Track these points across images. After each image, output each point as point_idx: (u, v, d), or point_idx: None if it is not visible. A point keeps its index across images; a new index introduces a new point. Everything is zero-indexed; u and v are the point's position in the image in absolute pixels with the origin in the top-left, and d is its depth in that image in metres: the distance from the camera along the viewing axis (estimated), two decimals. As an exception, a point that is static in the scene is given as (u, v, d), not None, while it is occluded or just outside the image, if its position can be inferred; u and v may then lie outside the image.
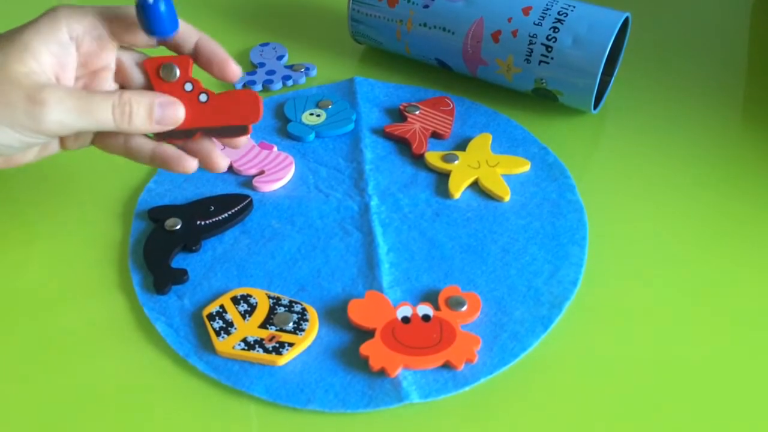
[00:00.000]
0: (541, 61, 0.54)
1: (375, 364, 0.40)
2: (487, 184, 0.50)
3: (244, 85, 0.60)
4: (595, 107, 0.56)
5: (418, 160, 0.53)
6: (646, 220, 0.49)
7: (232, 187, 0.51)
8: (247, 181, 0.52)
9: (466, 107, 0.58)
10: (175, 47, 0.43)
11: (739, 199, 0.50)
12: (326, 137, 0.55)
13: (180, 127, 0.42)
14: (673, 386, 0.40)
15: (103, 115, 0.39)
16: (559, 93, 0.55)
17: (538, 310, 0.43)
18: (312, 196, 0.51)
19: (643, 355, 0.41)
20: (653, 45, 0.65)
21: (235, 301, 0.43)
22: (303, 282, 0.45)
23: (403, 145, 0.55)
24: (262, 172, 0.52)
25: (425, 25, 0.57)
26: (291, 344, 0.41)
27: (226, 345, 0.41)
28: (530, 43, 0.54)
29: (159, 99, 0.41)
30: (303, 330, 0.42)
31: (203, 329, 0.42)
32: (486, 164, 0.52)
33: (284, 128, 0.56)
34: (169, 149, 0.42)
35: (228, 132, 0.42)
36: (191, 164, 0.43)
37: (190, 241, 0.47)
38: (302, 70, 0.61)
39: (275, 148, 0.54)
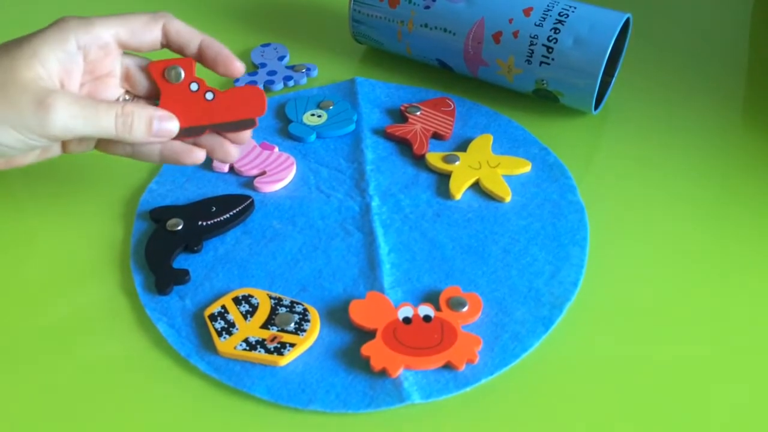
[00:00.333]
0: (542, 62, 0.54)
1: (376, 364, 0.40)
2: (488, 184, 0.50)
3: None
4: (596, 108, 0.57)
5: (419, 160, 0.53)
6: (647, 220, 0.49)
7: (233, 188, 0.51)
8: (249, 182, 0.52)
9: (467, 108, 0.58)
10: (180, 49, 0.44)
11: (739, 200, 0.50)
12: (327, 138, 0.55)
13: (190, 124, 0.43)
14: (674, 387, 0.40)
15: (106, 124, 0.41)
16: (559, 94, 0.55)
17: (539, 310, 0.43)
18: (313, 197, 0.51)
19: (643, 355, 0.41)
20: (654, 46, 0.65)
21: (237, 301, 0.43)
22: (304, 282, 0.45)
23: (404, 145, 0.55)
24: (263, 173, 0.52)
25: (426, 25, 0.58)
26: (292, 345, 0.41)
27: (228, 345, 0.41)
28: (531, 44, 0.54)
29: (158, 113, 0.42)
30: (304, 330, 0.42)
31: (205, 330, 0.42)
32: (487, 165, 0.52)
33: (285, 129, 0.56)
34: (176, 144, 0.44)
35: (235, 126, 0.44)
36: (199, 155, 0.45)
37: (192, 241, 0.47)
38: (303, 70, 0.61)
39: (276, 149, 0.54)
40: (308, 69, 0.62)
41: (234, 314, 0.43)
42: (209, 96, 0.43)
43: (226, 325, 0.42)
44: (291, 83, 0.61)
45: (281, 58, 0.63)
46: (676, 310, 0.44)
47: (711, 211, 0.50)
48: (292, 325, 0.42)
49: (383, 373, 0.40)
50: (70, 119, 0.39)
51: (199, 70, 0.44)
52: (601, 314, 0.43)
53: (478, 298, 0.43)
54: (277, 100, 0.59)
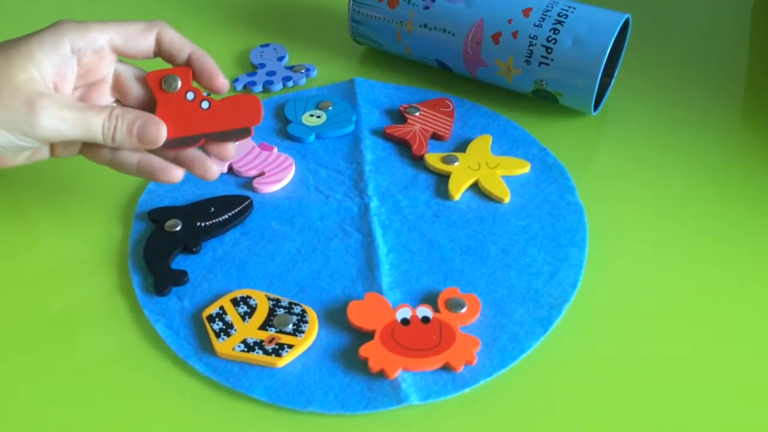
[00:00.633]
0: (541, 63, 0.54)
1: (374, 365, 0.40)
2: (487, 185, 0.50)
3: (245, 86, 0.60)
4: (595, 109, 0.56)
5: (418, 161, 0.53)
6: (646, 221, 0.49)
7: (232, 189, 0.51)
8: (247, 183, 0.52)
9: (466, 108, 0.58)
10: (170, 58, 0.44)
11: (739, 201, 0.50)
12: (326, 138, 0.55)
13: (185, 133, 0.43)
14: (673, 388, 0.40)
15: (93, 128, 0.41)
16: (559, 94, 0.55)
17: (537, 311, 0.43)
18: (312, 198, 0.51)
19: (642, 356, 0.41)
20: (653, 46, 0.65)
21: (235, 302, 0.43)
22: (303, 283, 0.45)
23: (403, 146, 0.55)
24: (262, 174, 0.52)
25: (425, 26, 0.57)
26: (290, 346, 0.41)
27: (226, 346, 0.41)
28: (530, 45, 0.54)
29: (141, 117, 0.42)
30: (302, 331, 0.42)
31: (203, 331, 0.42)
32: (486, 166, 0.52)
33: (284, 129, 0.56)
34: (154, 160, 0.44)
35: (231, 135, 0.44)
36: (177, 174, 0.44)
37: (191, 242, 0.47)
38: (302, 71, 0.61)
39: (275, 150, 0.54)
40: (307, 69, 0.62)
41: (232, 315, 0.43)
42: (205, 105, 0.43)
43: (224, 326, 0.42)
44: (290, 84, 0.61)
45: (280, 59, 0.63)
46: (675, 311, 0.44)
47: (710, 211, 0.50)
48: (291, 326, 0.42)
49: (381, 375, 0.40)
50: (59, 122, 0.40)
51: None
52: (600, 315, 0.43)
53: (477, 300, 0.43)
54: (276, 101, 0.59)
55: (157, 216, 0.48)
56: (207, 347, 0.42)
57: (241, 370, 0.41)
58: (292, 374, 0.40)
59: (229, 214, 0.48)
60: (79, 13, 0.70)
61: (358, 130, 0.56)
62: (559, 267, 0.46)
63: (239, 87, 0.60)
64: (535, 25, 0.54)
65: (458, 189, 0.50)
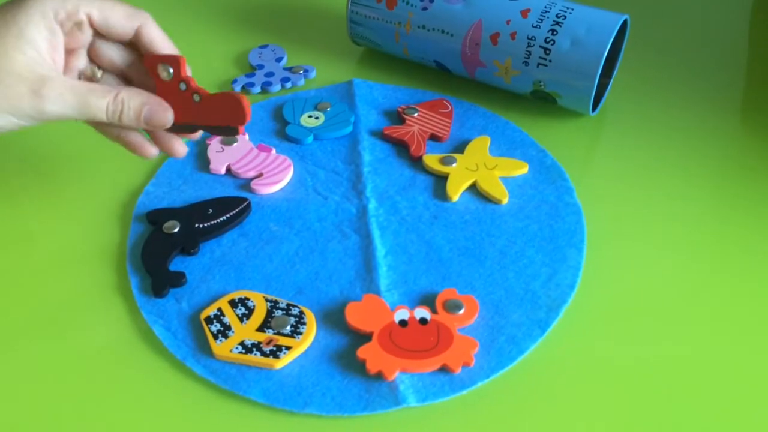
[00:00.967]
0: (539, 64, 0.54)
1: (372, 367, 0.40)
2: (485, 186, 0.50)
3: (243, 88, 0.60)
4: (594, 110, 0.56)
5: (417, 162, 0.53)
6: (645, 222, 0.49)
7: (230, 190, 0.51)
8: (246, 184, 0.52)
9: (465, 109, 0.58)
10: (146, 52, 0.44)
11: (738, 202, 0.50)
12: (325, 140, 0.55)
13: (183, 121, 0.44)
14: (671, 390, 0.40)
15: (98, 113, 0.42)
16: (557, 95, 0.55)
17: (535, 313, 0.43)
18: (310, 199, 0.51)
19: (640, 358, 0.41)
20: (652, 47, 0.65)
21: (233, 304, 0.43)
22: (301, 285, 0.45)
23: (401, 147, 0.55)
24: (260, 175, 0.52)
25: (424, 27, 0.57)
26: (288, 347, 0.41)
27: (224, 348, 0.41)
28: (528, 46, 0.54)
29: (150, 101, 0.43)
30: (300, 333, 0.42)
31: (201, 332, 0.42)
32: (484, 167, 0.52)
33: (283, 130, 0.56)
34: (134, 136, 0.45)
35: (220, 132, 0.44)
36: (152, 151, 0.46)
37: (189, 244, 0.47)
38: (301, 72, 0.61)
39: (274, 151, 0.54)
40: (306, 70, 0.62)
41: (230, 317, 0.43)
42: (196, 98, 0.43)
43: (222, 328, 0.42)
44: (288, 85, 0.61)
45: (279, 60, 0.63)
46: (673, 312, 0.44)
47: (709, 212, 0.50)
48: (288, 327, 0.42)
49: (379, 376, 0.40)
50: (64, 107, 0.41)
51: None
52: (597, 317, 0.43)
53: (475, 301, 0.43)
54: (275, 102, 0.59)
55: (155, 217, 0.48)
56: (205, 349, 0.42)
57: (238, 372, 0.41)
58: (290, 376, 0.40)
59: (227, 215, 0.48)
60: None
61: (356, 132, 0.56)
62: (557, 268, 0.46)
63: (237, 88, 0.60)
64: (533, 26, 0.54)
65: (456, 190, 0.50)
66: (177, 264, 0.46)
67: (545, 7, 0.54)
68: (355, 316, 0.42)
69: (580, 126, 0.57)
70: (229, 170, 0.53)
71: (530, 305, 0.44)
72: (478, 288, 0.45)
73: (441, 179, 0.52)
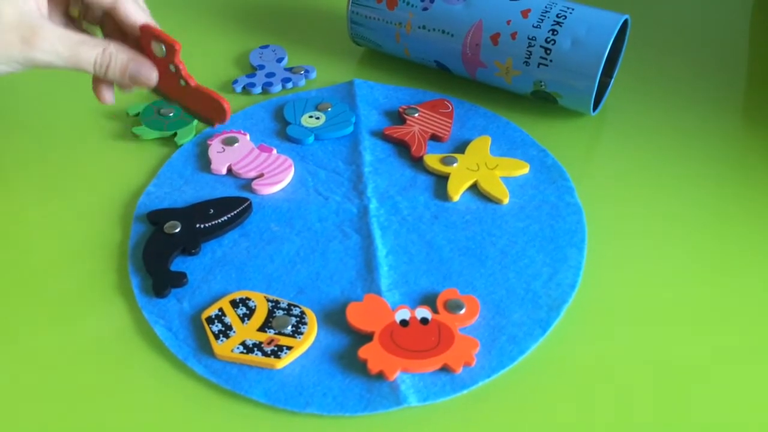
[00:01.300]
0: (540, 64, 0.54)
1: (373, 367, 0.40)
2: (486, 186, 0.50)
3: (244, 88, 0.60)
4: (594, 109, 0.56)
5: (417, 162, 0.53)
6: (645, 222, 0.49)
7: (231, 190, 0.51)
8: (247, 184, 0.52)
9: (465, 110, 0.58)
10: (121, 24, 0.46)
11: (739, 202, 0.50)
12: (325, 140, 0.55)
13: (166, 92, 0.47)
14: (672, 390, 0.40)
15: (87, 65, 0.44)
16: (558, 95, 0.55)
17: (536, 313, 0.43)
18: (311, 199, 0.51)
19: (641, 357, 0.41)
20: (653, 47, 0.65)
21: (234, 304, 0.43)
22: (302, 285, 0.45)
23: (402, 147, 0.55)
24: (261, 175, 0.52)
25: (424, 27, 0.58)
26: (289, 347, 0.41)
27: (225, 348, 0.41)
28: (529, 46, 0.54)
29: (135, 59, 0.45)
30: (301, 333, 0.42)
31: (202, 332, 0.42)
32: (485, 167, 0.52)
33: (283, 131, 0.56)
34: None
35: (198, 118, 0.48)
36: (107, 97, 0.48)
37: (190, 244, 0.47)
38: (302, 72, 0.61)
39: (274, 151, 0.54)
40: (306, 71, 0.62)
41: (231, 317, 0.43)
42: (182, 83, 0.46)
43: (223, 328, 0.42)
44: (289, 85, 0.61)
45: (280, 60, 0.63)
46: (674, 312, 0.44)
47: (709, 212, 0.50)
48: (290, 327, 0.42)
49: (380, 376, 0.40)
50: (53, 57, 0.42)
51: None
52: (598, 316, 0.43)
53: (476, 301, 0.43)
54: (276, 102, 0.59)
55: (157, 218, 0.48)
56: (206, 349, 0.42)
57: (240, 372, 0.41)
58: (291, 376, 0.40)
59: (228, 215, 0.48)
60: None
61: (357, 132, 0.56)
62: (557, 268, 0.46)
63: (238, 88, 0.60)
64: (533, 26, 0.54)
65: (457, 190, 0.50)
66: (178, 264, 0.46)
67: (546, 7, 0.54)
68: (356, 316, 0.42)
69: (581, 126, 0.57)
70: (230, 170, 0.53)
71: (531, 305, 0.44)
72: (479, 288, 0.45)
73: (442, 179, 0.52)
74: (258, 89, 0.60)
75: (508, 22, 0.54)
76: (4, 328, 0.44)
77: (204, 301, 0.44)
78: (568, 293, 0.44)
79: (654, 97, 0.59)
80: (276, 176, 0.52)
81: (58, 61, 0.43)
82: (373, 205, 0.50)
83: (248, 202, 0.49)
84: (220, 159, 0.53)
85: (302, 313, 0.43)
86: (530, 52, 0.54)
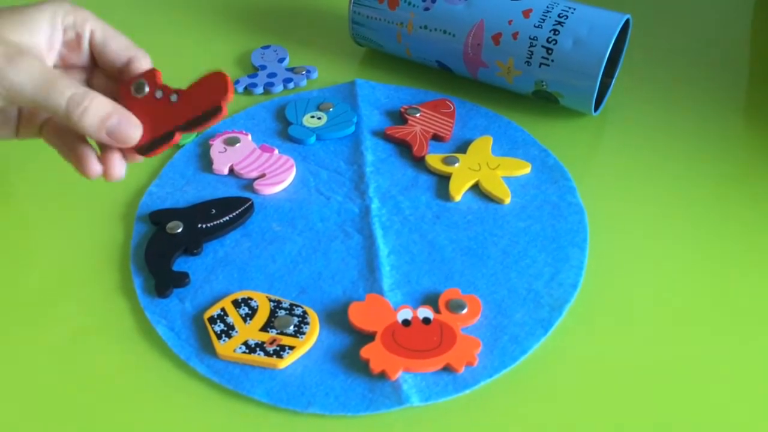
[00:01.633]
0: (541, 64, 0.54)
1: (375, 367, 0.40)
2: (488, 186, 0.50)
3: (246, 88, 0.60)
4: (596, 109, 0.56)
5: (419, 162, 0.53)
6: (647, 222, 0.49)
7: (233, 190, 0.51)
8: (248, 184, 0.52)
9: (467, 109, 0.58)
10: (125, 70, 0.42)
11: (741, 202, 0.50)
12: (327, 140, 0.55)
13: (158, 134, 0.41)
14: (674, 389, 0.40)
15: (57, 98, 0.38)
16: (559, 95, 0.55)
17: (538, 312, 0.43)
18: (313, 199, 0.51)
19: (643, 357, 0.41)
20: (654, 47, 0.65)
21: (236, 304, 0.43)
22: (304, 285, 0.45)
23: (403, 147, 0.55)
24: (263, 175, 0.52)
25: (426, 27, 0.58)
26: (292, 347, 0.41)
27: (227, 348, 0.41)
28: (531, 46, 0.54)
29: (120, 112, 0.39)
30: (304, 333, 0.42)
31: (204, 332, 0.43)
32: (486, 167, 0.52)
33: (285, 131, 0.56)
34: (83, 148, 0.41)
35: (204, 119, 0.41)
36: (96, 168, 0.41)
37: (192, 244, 0.47)
38: (303, 72, 0.61)
39: (276, 151, 0.54)
40: (308, 71, 0.62)
41: (233, 317, 0.43)
42: (174, 98, 0.41)
43: (225, 328, 0.42)
44: (291, 85, 0.61)
45: (281, 60, 0.63)
46: (675, 312, 0.44)
47: (712, 212, 0.50)
48: (292, 327, 0.42)
49: (382, 376, 0.40)
50: (26, 81, 0.37)
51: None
52: (600, 316, 0.43)
53: (478, 301, 0.43)
54: (277, 103, 0.59)
55: (159, 218, 0.49)
56: (208, 349, 0.42)
57: (242, 372, 0.41)
58: (294, 376, 0.40)
59: (230, 215, 0.48)
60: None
61: (358, 132, 0.56)
62: (559, 268, 0.46)
63: (240, 89, 0.60)
64: (535, 26, 0.54)
65: (459, 190, 0.50)
66: (180, 264, 0.46)
67: (547, 7, 0.54)
68: (359, 315, 0.42)
69: (583, 126, 0.57)
70: (232, 171, 0.53)
71: (533, 305, 0.44)
72: (481, 287, 0.45)
73: (443, 179, 0.52)
74: (260, 89, 0.60)
75: (510, 22, 0.54)
76: (6, 328, 0.44)
77: (206, 301, 0.44)
78: (570, 293, 0.44)
79: (655, 97, 0.59)
80: (278, 176, 0.52)
81: (29, 88, 0.37)
82: (374, 205, 0.50)
83: (250, 202, 0.49)
84: (222, 159, 0.53)
85: (304, 313, 0.43)
86: (532, 52, 0.54)
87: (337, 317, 0.43)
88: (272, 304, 0.43)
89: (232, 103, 0.59)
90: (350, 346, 0.42)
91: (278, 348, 0.41)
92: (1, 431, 0.39)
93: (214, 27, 0.69)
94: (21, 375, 0.41)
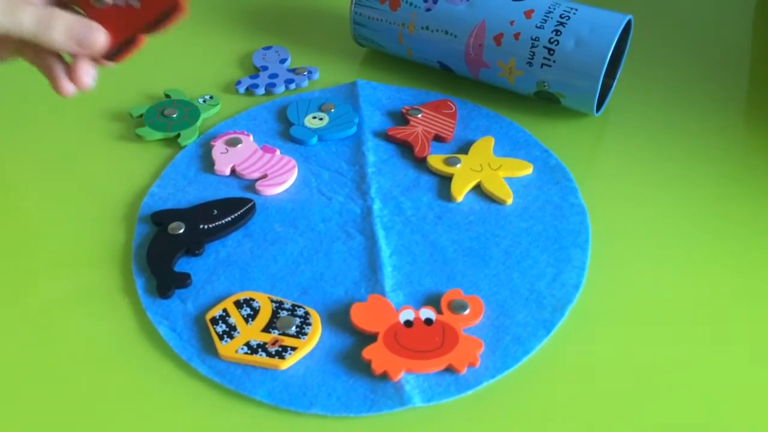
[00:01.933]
0: (543, 64, 0.54)
1: (377, 367, 0.40)
2: (490, 187, 0.50)
3: (247, 89, 0.60)
4: (598, 110, 0.56)
5: (421, 163, 0.53)
6: (649, 222, 0.49)
7: (235, 191, 0.51)
8: (250, 185, 0.52)
9: (469, 110, 0.58)
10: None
11: (744, 203, 0.50)
12: (329, 140, 0.55)
13: (125, 36, 0.43)
14: (677, 390, 0.40)
15: (26, 20, 0.40)
16: (561, 96, 0.55)
17: (540, 313, 0.43)
18: (314, 200, 0.51)
19: (645, 358, 0.41)
20: (656, 47, 0.65)
21: (238, 304, 0.43)
22: (305, 285, 0.45)
23: (405, 148, 0.55)
24: (264, 176, 0.52)
25: (427, 28, 0.58)
26: (294, 348, 0.41)
27: (229, 349, 0.41)
28: (532, 46, 0.54)
29: (81, 21, 0.42)
30: (306, 334, 0.42)
31: (206, 333, 0.42)
32: (488, 167, 0.52)
33: (287, 132, 0.56)
34: (54, 63, 0.44)
35: (164, 18, 0.43)
36: (67, 88, 0.44)
37: (193, 244, 0.47)
38: (305, 73, 0.61)
39: (278, 152, 0.54)
40: (310, 72, 0.62)
41: (235, 318, 0.43)
42: (134, 2, 0.43)
43: (227, 329, 0.42)
44: (292, 86, 0.61)
45: (283, 61, 0.63)
46: (678, 313, 0.44)
47: (714, 213, 0.50)
48: (294, 328, 0.42)
49: (384, 377, 0.40)
50: None
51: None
52: (602, 317, 0.43)
53: (480, 301, 0.43)
54: (279, 103, 0.59)
55: (160, 218, 0.48)
56: (210, 349, 0.42)
57: (244, 373, 0.41)
58: (296, 376, 0.40)
59: (232, 216, 0.48)
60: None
61: (360, 132, 0.56)
62: (561, 268, 0.46)
63: (242, 90, 0.60)
64: (536, 26, 0.54)
65: (461, 191, 0.50)
66: (182, 265, 0.46)
67: (549, 7, 0.54)
68: (360, 316, 0.42)
69: (584, 126, 0.57)
70: (233, 171, 0.53)
71: (535, 305, 0.44)
72: (483, 288, 0.45)
73: (445, 180, 0.52)
74: (261, 90, 0.60)
75: (512, 23, 0.54)
76: (7, 328, 0.44)
77: (208, 302, 0.44)
78: (572, 294, 0.44)
79: (657, 98, 0.59)
80: (279, 177, 0.52)
81: None
82: (376, 206, 0.50)
83: (252, 203, 0.49)
84: (224, 160, 0.53)
85: (306, 313, 0.43)
86: (533, 52, 0.54)
87: (339, 318, 0.43)
88: (274, 304, 0.43)
89: (233, 103, 0.60)
90: (352, 347, 0.42)
91: (280, 349, 0.41)
92: (3, 432, 0.39)
93: (216, 28, 0.69)
94: (21, 375, 0.41)
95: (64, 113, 0.58)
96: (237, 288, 0.45)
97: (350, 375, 0.40)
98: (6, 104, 0.59)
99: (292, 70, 0.62)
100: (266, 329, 0.42)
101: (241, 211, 0.49)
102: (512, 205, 0.50)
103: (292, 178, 0.52)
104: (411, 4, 0.58)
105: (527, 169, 0.52)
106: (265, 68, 0.62)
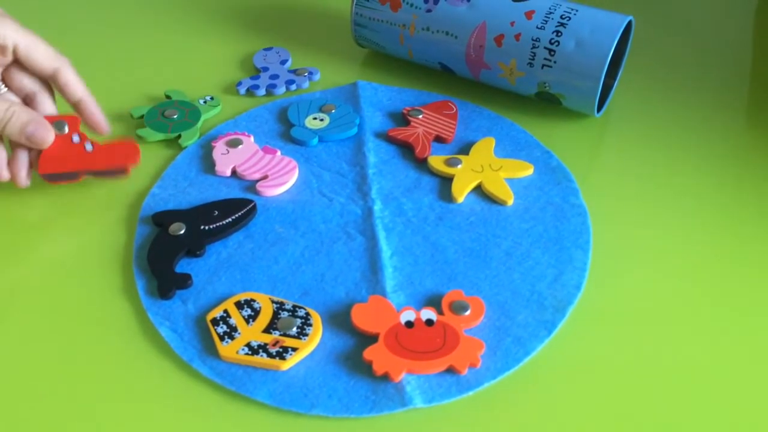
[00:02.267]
0: (544, 65, 0.54)
1: (378, 368, 0.40)
2: (491, 188, 0.50)
3: (248, 90, 0.60)
4: (599, 111, 0.56)
5: (422, 164, 0.53)
6: (650, 223, 0.49)
7: (235, 192, 0.51)
8: (251, 186, 0.52)
9: (469, 111, 0.58)
10: (61, 93, 0.50)
11: (744, 203, 0.50)
12: (329, 141, 0.55)
13: (63, 169, 0.49)
14: (678, 391, 0.40)
15: None
16: (562, 96, 0.55)
17: (541, 314, 0.43)
18: (315, 201, 0.51)
19: (647, 359, 0.41)
20: (657, 48, 0.65)
21: (239, 305, 0.43)
22: (306, 286, 0.45)
23: (406, 149, 0.55)
24: (265, 177, 0.52)
25: (428, 29, 0.58)
26: (294, 349, 0.41)
27: (230, 350, 0.41)
28: (533, 47, 0.54)
29: (36, 120, 0.47)
30: (306, 335, 0.42)
31: (207, 334, 0.42)
32: (489, 168, 0.52)
33: (288, 133, 0.56)
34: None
35: (109, 174, 0.50)
36: (3, 174, 0.48)
37: (194, 245, 0.47)
38: (306, 74, 0.62)
39: (279, 153, 0.54)
40: (310, 73, 0.62)
41: (236, 318, 0.43)
42: (88, 147, 0.49)
43: (228, 330, 0.42)
44: (293, 87, 0.61)
45: (283, 62, 0.63)
46: (679, 314, 0.44)
47: (715, 214, 0.50)
48: (295, 329, 0.42)
49: (385, 378, 0.40)
50: None
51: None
52: (604, 318, 0.43)
53: (481, 302, 0.43)
54: (280, 104, 0.59)
55: (161, 219, 0.48)
56: (211, 350, 0.42)
57: (245, 374, 0.41)
58: (296, 377, 0.40)
59: (233, 217, 0.48)
60: (83, 16, 0.70)
61: (361, 133, 0.56)
62: (562, 269, 0.46)
63: (242, 91, 0.60)
64: (537, 27, 0.54)
65: (461, 191, 0.50)
66: (183, 266, 0.46)
67: (549, 8, 0.54)
68: (361, 317, 0.42)
69: (585, 127, 0.57)
70: (234, 172, 0.53)
71: (536, 306, 0.44)
72: (484, 289, 0.45)
73: (446, 181, 0.52)
74: (262, 91, 0.60)
75: (512, 24, 0.54)
76: (8, 328, 0.44)
77: (209, 303, 0.44)
78: (574, 294, 0.44)
79: (658, 98, 0.59)
80: (280, 178, 0.52)
81: None
82: (377, 207, 0.50)
83: (253, 204, 0.49)
84: (225, 161, 0.53)
85: (307, 314, 0.43)
86: (534, 53, 0.54)
87: (339, 319, 0.43)
88: (275, 305, 0.43)
89: (234, 104, 0.60)
90: (353, 348, 0.42)
91: (281, 350, 0.41)
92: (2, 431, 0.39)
93: (217, 29, 0.69)
94: (21, 376, 0.41)
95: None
96: (238, 289, 0.45)
97: (351, 376, 0.40)
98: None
99: (293, 71, 0.62)
100: (267, 330, 0.42)
101: (242, 212, 0.49)
102: (513, 206, 0.50)
103: (293, 179, 0.52)
104: (412, 5, 0.58)
105: (528, 170, 0.52)
106: (265, 69, 0.62)
